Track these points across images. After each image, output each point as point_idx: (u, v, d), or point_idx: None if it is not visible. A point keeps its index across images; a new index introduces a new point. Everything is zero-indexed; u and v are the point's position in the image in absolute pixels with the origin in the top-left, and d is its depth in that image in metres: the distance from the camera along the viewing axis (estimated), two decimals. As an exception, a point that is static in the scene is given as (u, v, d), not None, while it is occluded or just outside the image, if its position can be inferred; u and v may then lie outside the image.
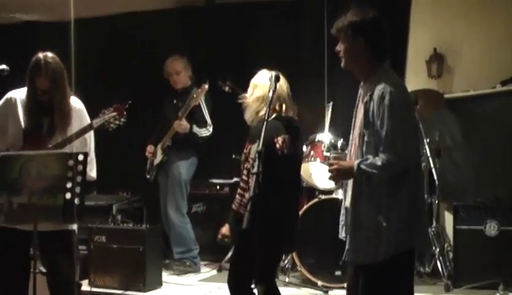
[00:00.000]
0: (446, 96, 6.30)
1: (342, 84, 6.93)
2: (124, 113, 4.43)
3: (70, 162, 3.66)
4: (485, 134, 6.17)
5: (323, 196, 5.80)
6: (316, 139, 5.94)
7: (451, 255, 5.86)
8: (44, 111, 4.20)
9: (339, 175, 3.55)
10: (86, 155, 3.70)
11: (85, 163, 3.67)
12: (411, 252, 3.51)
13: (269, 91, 3.83)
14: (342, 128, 6.63)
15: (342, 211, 3.73)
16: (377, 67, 3.52)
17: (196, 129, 6.35)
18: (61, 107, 4.20)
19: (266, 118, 3.62)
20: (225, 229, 4.25)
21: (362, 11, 3.50)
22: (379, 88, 3.41)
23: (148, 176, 6.70)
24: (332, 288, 5.55)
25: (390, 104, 3.36)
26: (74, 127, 4.21)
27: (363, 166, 3.39)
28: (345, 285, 5.38)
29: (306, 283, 5.70)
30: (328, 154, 5.74)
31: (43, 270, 4.01)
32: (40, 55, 4.18)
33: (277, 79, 3.80)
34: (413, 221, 3.44)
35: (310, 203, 5.74)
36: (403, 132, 3.38)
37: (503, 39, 6.43)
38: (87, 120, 4.36)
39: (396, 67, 7.06)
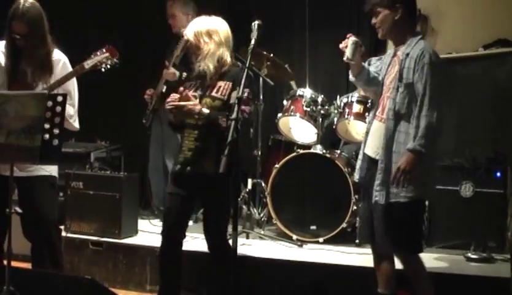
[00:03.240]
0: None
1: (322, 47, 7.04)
2: (117, 53, 4.41)
3: (49, 103, 3.63)
4: (465, 97, 6.18)
5: (301, 151, 5.80)
6: (297, 94, 5.93)
7: (426, 214, 5.90)
8: (25, 58, 4.18)
9: (412, 169, 3.79)
10: (65, 96, 3.67)
11: (64, 104, 3.64)
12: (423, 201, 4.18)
13: (251, 39, 3.80)
14: (322, 85, 6.69)
15: (360, 156, 4.18)
16: (412, 32, 3.99)
17: (185, 76, 5.82)
18: (38, 53, 4.18)
19: (248, 65, 3.60)
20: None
21: None
22: (418, 48, 3.87)
23: (144, 121, 6.44)
24: (307, 242, 5.57)
25: (430, 62, 3.79)
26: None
27: (419, 142, 3.76)
28: (320, 240, 5.50)
29: (281, 236, 5.73)
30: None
31: (19, 210, 4.00)
32: (21, 0, 4.18)
33: (259, 28, 3.78)
34: (430, 175, 3.95)
35: (288, 156, 5.73)
36: (440, 91, 3.80)
37: (488, 3, 6.41)
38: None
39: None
